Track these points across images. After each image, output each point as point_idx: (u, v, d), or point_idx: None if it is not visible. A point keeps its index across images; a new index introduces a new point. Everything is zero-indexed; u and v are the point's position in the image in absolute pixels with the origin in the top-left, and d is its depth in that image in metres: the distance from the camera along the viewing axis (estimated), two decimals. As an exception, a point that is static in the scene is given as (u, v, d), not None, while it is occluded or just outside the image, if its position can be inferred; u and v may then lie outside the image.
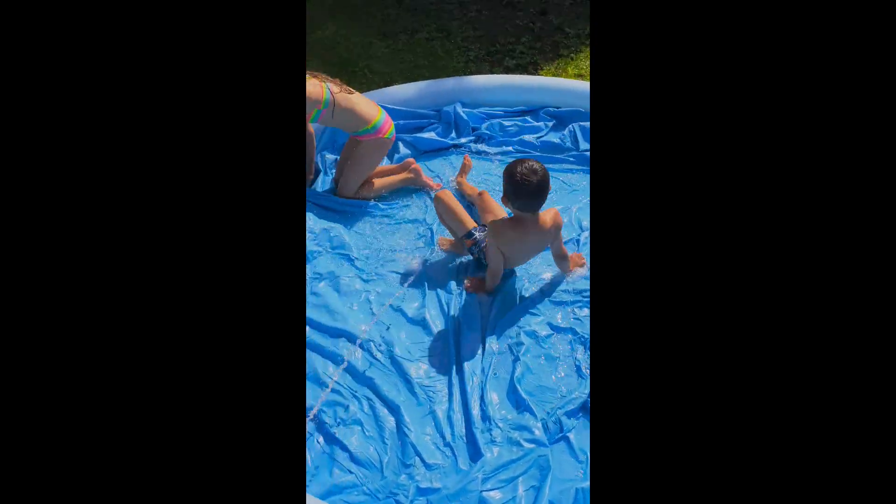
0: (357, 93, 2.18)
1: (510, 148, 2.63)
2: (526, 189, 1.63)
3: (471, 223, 1.96)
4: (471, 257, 1.98)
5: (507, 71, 3.45)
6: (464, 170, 2.39)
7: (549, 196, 2.34)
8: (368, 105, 2.18)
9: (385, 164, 2.42)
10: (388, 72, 3.49)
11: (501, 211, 2.01)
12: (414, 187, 2.37)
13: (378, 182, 2.32)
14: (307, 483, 1.28)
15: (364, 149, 2.20)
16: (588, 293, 1.81)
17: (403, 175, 2.37)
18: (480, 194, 2.16)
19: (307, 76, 2.00)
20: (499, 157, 2.57)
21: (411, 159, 2.43)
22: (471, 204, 2.22)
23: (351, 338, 1.70)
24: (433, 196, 2.10)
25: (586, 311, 1.77)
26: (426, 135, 2.66)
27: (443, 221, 2.03)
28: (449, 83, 2.87)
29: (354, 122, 2.14)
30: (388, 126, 2.22)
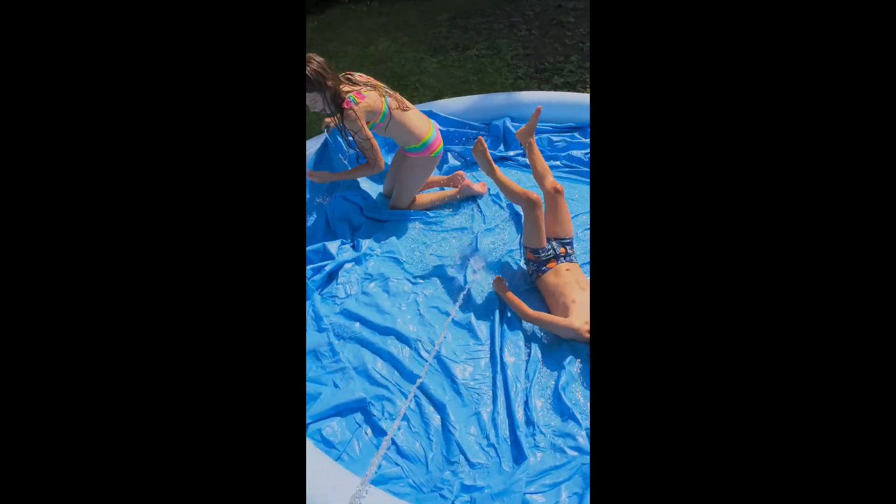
0: (413, 108, 2.23)
1: (558, 162, 2.66)
2: None
3: (545, 243, 1.86)
4: (524, 261, 1.99)
5: (556, 89, 3.49)
6: (533, 121, 2.15)
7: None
8: (421, 122, 2.21)
9: (435, 174, 2.49)
10: (438, 86, 3.59)
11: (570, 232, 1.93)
12: (464, 197, 2.43)
13: (430, 197, 2.40)
14: (355, 471, 1.32)
15: (411, 164, 2.25)
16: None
17: (454, 191, 2.44)
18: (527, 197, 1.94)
19: (372, 87, 2.08)
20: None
21: (461, 172, 2.48)
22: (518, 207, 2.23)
23: (399, 336, 1.75)
24: (527, 199, 1.84)
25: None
26: (476, 147, 2.73)
27: (527, 220, 1.87)
28: (499, 98, 2.94)
29: (405, 137, 2.19)
30: (438, 144, 2.25)
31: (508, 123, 2.80)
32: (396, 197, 2.33)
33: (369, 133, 2.05)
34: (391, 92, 2.17)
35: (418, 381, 1.55)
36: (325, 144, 2.39)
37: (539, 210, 1.83)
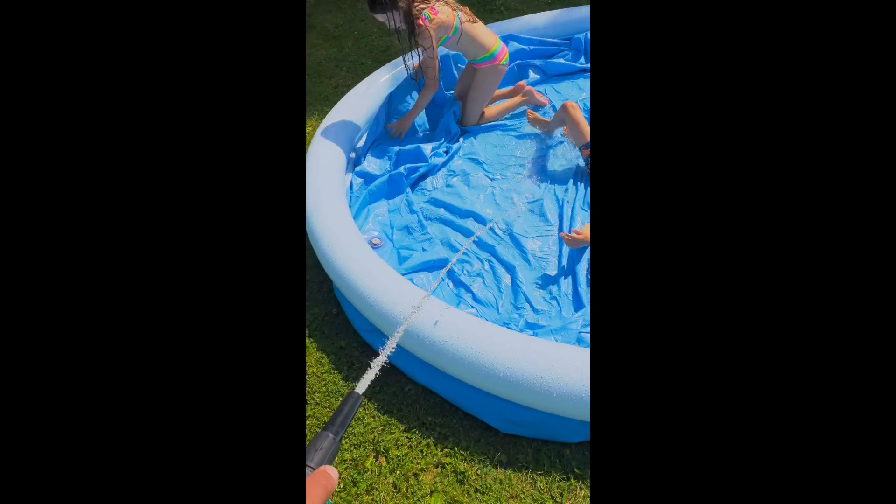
0: (480, 21, 2.35)
1: (638, 72, 2.68)
2: None
3: (586, 136, 2.11)
4: (581, 159, 2.17)
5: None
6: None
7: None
8: (488, 34, 2.34)
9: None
10: (522, 9, 3.64)
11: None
12: (534, 108, 2.58)
13: (497, 108, 2.55)
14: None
15: (482, 76, 2.39)
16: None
17: (518, 98, 2.58)
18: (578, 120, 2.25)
19: (443, 3, 2.22)
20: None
21: (522, 82, 2.62)
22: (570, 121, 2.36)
23: (478, 218, 2.03)
24: (560, 105, 2.23)
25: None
26: (556, 60, 2.83)
27: (566, 130, 2.23)
28: (581, 11, 2.97)
29: (475, 49, 2.31)
30: (504, 54, 2.38)
31: (589, 37, 2.85)
32: (467, 113, 2.48)
33: (436, 52, 2.21)
34: (461, 6, 2.30)
35: (470, 239, 1.76)
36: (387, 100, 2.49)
37: (574, 111, 2.14)
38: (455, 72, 2.63)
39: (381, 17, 2.14)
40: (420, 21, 2.13)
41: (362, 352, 1.65)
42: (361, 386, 0.75)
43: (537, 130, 2.42)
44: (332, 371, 1.61)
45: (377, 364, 0.81)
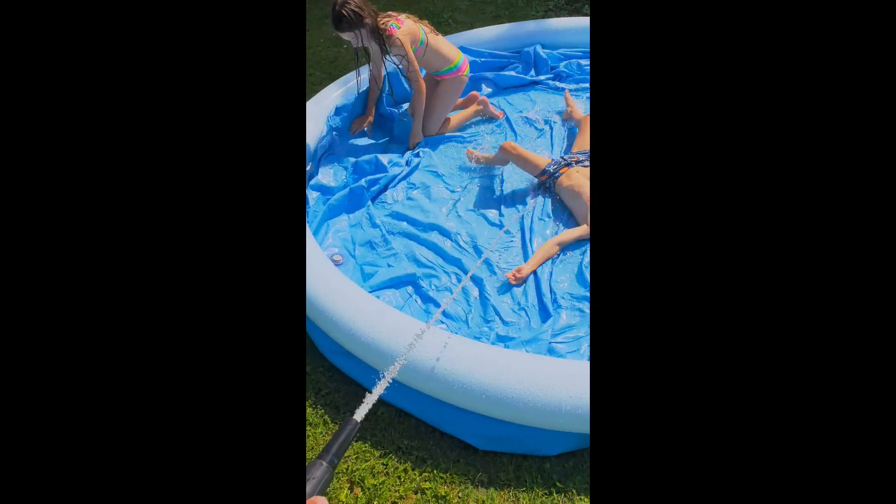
0: (440, 35, 2.40)
1: (586, 85, 2.79)
2: None
3: (543, 162, 2.13)
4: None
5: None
6: (569, 102, 2.58)
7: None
8: (450, 46, 2.40)
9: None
10: (470, 21, 3.70)
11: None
12: (487, 120, 2.62)
13: (454, 118, 2.57)
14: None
15: (445, 87, 2.43)
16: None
17: (474, 108, 2.62)
18: (586, 118, 2.34)
19: (405, 16, 2.25)
20: (576, 91, 2.73)
21: (474, 92, 2.66)
22: (577, 123, 2.44)
23: (442, 231, 2.01)
24: (499, 147, 2.22)
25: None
26: (507, 73, 2.88)
27: (517, 165, 2.21)
28: (529, 26, 3.05)
29: (439, 61, 2.36)
30: (466, 65, 2.45)
31: (539, 50, 2.92)
32: (429, 124, 2.47)
33: (413, 56, 2.22)
34: (421, 20, 2.33)
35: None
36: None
37: (515, 150, 2.14)
38: (406, 86, 2.61)
39: (347, 36, 2.12)
40: (389, 31, 2.12)
41: (329, 376, 1.57)
42: (360, 413, 0.71)
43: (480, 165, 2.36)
44: (298, 398, 1.52)
45: (377, 391, 0.77)
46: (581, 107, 2.56)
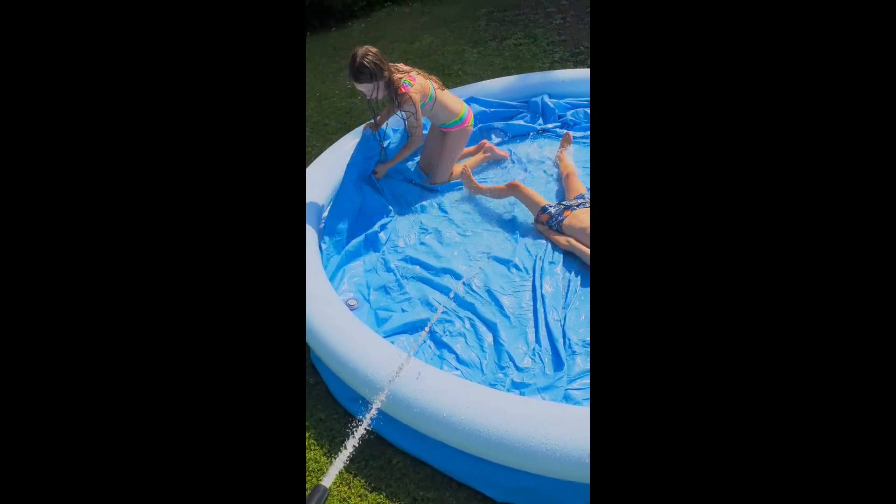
0: (446, 89, 2.52)
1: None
2: None
3: (543, 201, 2.24)
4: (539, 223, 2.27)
5: (591, 68, 3.69)
6: (565, 143, 2.68)
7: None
8: (456, 100, 2.52)
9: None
10: (479, 73, 3.86)
11: (582, 189, 2.29)
12: (495, 162, 2.71)
13: (462, 166, 2.65)
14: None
15: (452, 139, 2.52)
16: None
17: (481, 155, 2.73)
18: (569, 174, 2.42)
19: (417, 72, 2.36)
20: (583, 139, 2.82)
21: (484, 140, 2.78)
22: (562, 176, 2.51)
23: (454, 275, 2.03)
24: (506, 184, 2.38)
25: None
26: (516, 122, 2.99)
27: (522, 202, 2.33)
28: (536, 77, 3.18)
29: (446, 115, 2.46)
30: (471, 116, 2.55)
31: (546, 100, 3.04)
32: (438, 173, 2.57)
33: (420, 113, 2.33)
34: (430, 75, 2.44)
35: (451, 292, 1.77)
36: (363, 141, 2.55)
37: (520, 189, 2.28)
38: (405, 133, 2.71)
39: (364, 88, 2.22)
40: (402, 89, 2.23)
41: (344, 423, 1.56)
42: (328, 479, 0.69)
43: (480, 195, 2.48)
44: (312, 447, 1.51)
45: (344, 455, 0.75)
46: (570, 158, 2.60)
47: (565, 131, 2.77)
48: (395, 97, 2.27)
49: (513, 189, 2.31)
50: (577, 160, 2.61)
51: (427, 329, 1.62)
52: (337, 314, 1.64)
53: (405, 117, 2.35)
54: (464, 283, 1.99)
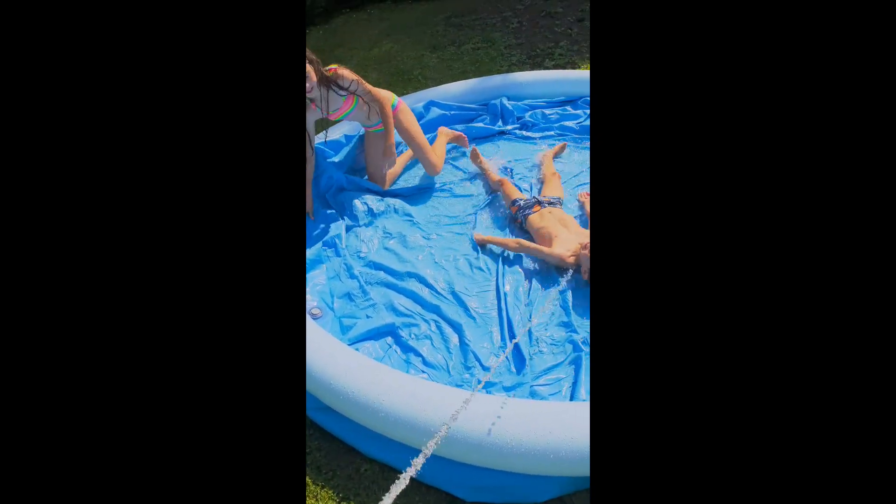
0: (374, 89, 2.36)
1: (552, 132, 2.93)
2: None
3: (517, 194, 2.32)
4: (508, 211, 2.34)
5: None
6: (557, 152, 2.71)
7: (588, 168, 2.66)
8: (384, 95, 2.40)
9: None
10: (439, 78, 3.88)
11: (559, 194, 2.34)
12: (476, 171, 2.71)
13: (400, 159, 2.69)
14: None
15: (404, 116, 2.46)
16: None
17: (408, 153, 2.75)
18: (554, 174, 2.48)
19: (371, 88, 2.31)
20: (542, 140, 2.87)
21: (442, 127, 2.80)
22: (541, 177, 2.54)
23: (418, 278, 2.03)
24: (493, 180, 2.48)
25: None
26: (476, 125, 3.01)
27: (501, 194, 2.41)
28: (495, 80, 3.23)
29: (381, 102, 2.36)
30: (400, 107, 2.47)
31: (505, 102, 3.08)
32: (389, 174, 2.56)
33: (363, 83, 2.26)
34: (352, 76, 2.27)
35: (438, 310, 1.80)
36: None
37: (504, 185, 2.38)
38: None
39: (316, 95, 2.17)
40: (329, 71, 2.17)
41: (310, 434, 1.53)
42: None
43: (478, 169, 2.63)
44: (278, 459, 1.47)
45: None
46: (548, 163, 2.64)
47: (563, 142, 2.78)
48: (331, 87, 2.17)
49: (500, 185, 2.42)
50: (527, 160, 2.68)
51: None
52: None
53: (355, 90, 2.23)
54: (428, 287, 1.99)
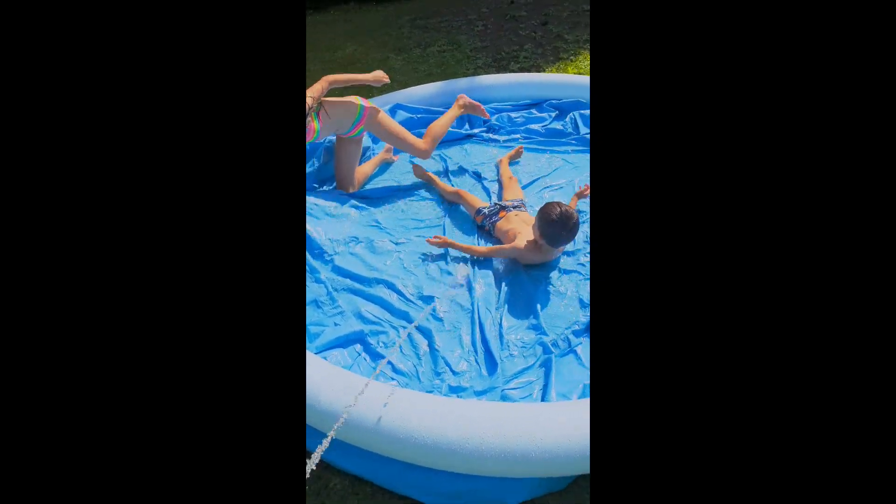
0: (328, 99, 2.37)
1: (518, 136, 2.95)
2: (558, 235, 1.89)
3: (479, 203, 2.32)
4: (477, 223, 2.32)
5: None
6: (512, 156, 2.72)
7: (555, 170, 2.69)
8: (349, 102, 2.40)
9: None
10: (405, 80, 3.86)
11: (519, 195, 2.35)
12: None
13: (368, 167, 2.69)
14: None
15: (381, 123, 2.45)
16: (588, 242, 2.10)
17: (381, 155, 2.77)
18: (511, 178, 2.49)
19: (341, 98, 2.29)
20: (508, 143, 2.89)
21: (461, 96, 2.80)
22: (499, 180, 2.55)
23: (387, 284, 2.00)
24: (447, 192, 2.48)
25: (587, 258, 2.05)
26: (442, 128, 3.00)
27: (461, 203, 2.40)
28: (461, 83, 3.23)
29: (348, 121, 2.37)
30: (366, 112, 2.43)
31: (470, 105, 3.08)
32: (360, 178, 2.55)
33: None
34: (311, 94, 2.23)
35: (414, 323, 1.78)
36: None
37: (462, 195, 2.38)
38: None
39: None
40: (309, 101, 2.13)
41: (277, 447, 1.49)
42: None
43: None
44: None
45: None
46: (504, 167, 2.64)
47: (520, 145, 2.80)
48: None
49: (457, 197, 2.40)
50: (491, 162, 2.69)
51: (382, 363, 1.58)
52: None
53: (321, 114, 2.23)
54: (397, 293, 1.96)
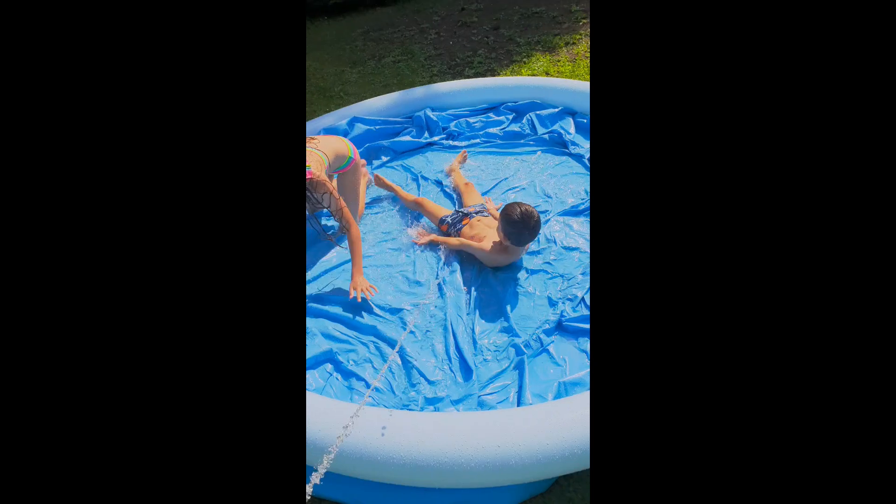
0: (318, 138, 2.28)
1: (477, 140, 2.96)
2: (521, 234, 1.89)
3: (443, 211, 2.31)
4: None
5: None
6: (459, 160, 2.73)
7: (515, 171, 2.71)
8: (338, 140, 2.32)
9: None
10: (361, 93, 3.84)
11: (479, 200, 2.36)
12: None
13: (362, 199, 2.57)
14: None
15: (351, 176, 2.37)
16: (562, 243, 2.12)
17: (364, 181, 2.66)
18: (466, 184, 2.49)
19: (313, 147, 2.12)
20: (468, 149, 2.90)
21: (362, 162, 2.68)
22: (455, 189, 2.55)
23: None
24: (408, 201, 2.46)
25: (554, 256, 2.06)
26: (402, 138, 3.00)
27: (423, 211, 2.39)
28: (418, 91, 3.23)
29: (339, 159, 2.27)
30: (355, 149, 2.38)
31: (429, 113, 3.09)
32: (351, 216, 2.26)
33: (338, 195, 2.04)
34: (309, 139, 2.18)
35: (397, 345, 1.73)
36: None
37: (424, 205, 2.38)
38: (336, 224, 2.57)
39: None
40: (308, 176, 1.94)
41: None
42: None
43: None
44: None
45: None
46: (457, 174, 2.63)
47: (463, 150, 2.81)
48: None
49: (417, 206, 2.39)
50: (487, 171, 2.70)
51: (369, 391, 1.54)
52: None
53: (324, 203, 1.99)
54: (364, 308, 1.93)
